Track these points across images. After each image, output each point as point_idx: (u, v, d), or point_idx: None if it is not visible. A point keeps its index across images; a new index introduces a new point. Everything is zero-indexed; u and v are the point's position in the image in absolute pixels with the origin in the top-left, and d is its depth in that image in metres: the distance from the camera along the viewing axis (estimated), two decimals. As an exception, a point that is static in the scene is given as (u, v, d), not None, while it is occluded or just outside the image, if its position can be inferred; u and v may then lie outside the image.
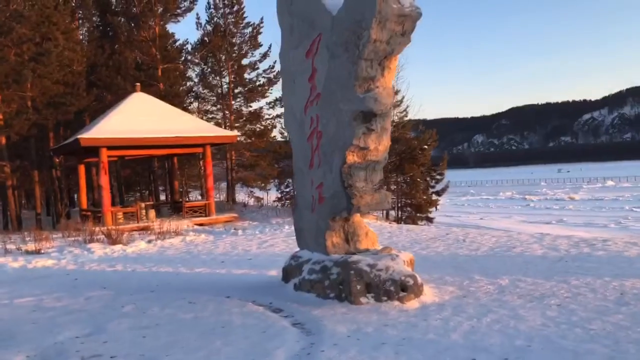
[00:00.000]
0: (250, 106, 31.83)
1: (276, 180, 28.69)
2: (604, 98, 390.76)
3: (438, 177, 24.13)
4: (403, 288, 6.85)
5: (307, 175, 7.84)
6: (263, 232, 16.68)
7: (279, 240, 14.28)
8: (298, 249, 12.63)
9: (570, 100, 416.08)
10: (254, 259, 11.51)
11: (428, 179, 23.50)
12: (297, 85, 7.91)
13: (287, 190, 27.45)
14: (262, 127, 31.18)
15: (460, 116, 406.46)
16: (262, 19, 31.27)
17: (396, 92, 21.24)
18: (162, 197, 31.96)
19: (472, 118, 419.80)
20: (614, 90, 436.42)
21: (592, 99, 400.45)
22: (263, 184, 30.64)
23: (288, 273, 8.07)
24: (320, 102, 7.38)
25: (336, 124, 7.12)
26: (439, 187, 24.14)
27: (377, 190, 7.25)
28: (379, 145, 7.11)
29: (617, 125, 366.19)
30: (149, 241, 14.84)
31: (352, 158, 7.00)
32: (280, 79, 8.69)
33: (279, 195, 27.78)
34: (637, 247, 10.11)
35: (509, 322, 5.66)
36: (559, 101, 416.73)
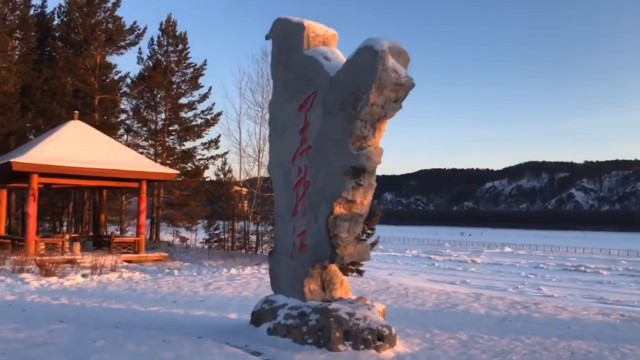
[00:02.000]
0: (184, 145, 31.57)
1: (205, 221, 28.31)
2: (505, 169, 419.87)
3: (369, 231, 24.96)
4: (379, 337, 7.20)
5: (289, 222, 8.12)
6: (201, 274, 16.45)
7: (223, 284, 14.19)
8: (247, 293, 12.73)
9: (475, 168, 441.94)
10: (206, 300, 11.42)
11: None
12: (287, 135, 8.28)
13: (217, 232, 27.16)
14: (194, 167, 30.90)
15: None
16: (205, 61, 31.56)
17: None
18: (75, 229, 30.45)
19: (384, 176, 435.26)
20: (514, 163, 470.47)
21: (494, 169, 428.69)
22: (190, 224, 30.10)
23: (260, 317, 8.17)
24: (311, 154, 7.78)
25: (326, 176, 7.53)
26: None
27: (360, 242, 7.68)
28: (364, 200, 7.59)
29: (515, 196, 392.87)
30: (84, 275, 14.24)
31: (339, 209, 7.40)
32: (268, 127, 9.00)
33: (207, 237, 27.38)
34: (567, 311, 11.13)
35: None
36: (465, 168, 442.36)
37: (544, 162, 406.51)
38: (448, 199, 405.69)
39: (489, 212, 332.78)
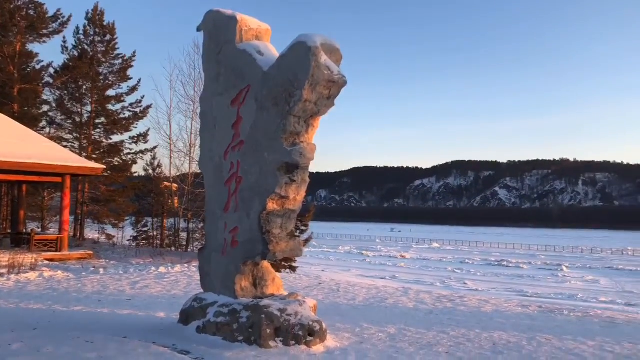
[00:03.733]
0: (111, 138, 30.38)
1: (133, 218, 27.40)
2: (433, 167, 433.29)
3: (303, 227, 24.97)
4: (310, 333, 7.24)
5: (221, 218, 7.99)
6: (128, 272, 15.91)
7: (151, 282, 13.79)
8: (176, 291, 12.44)
9: (405, 166, 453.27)
10: (133, 299, 11.05)
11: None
12: (219, 130, 8.14)
13: (145, 229, 26.35)
14: (121, 161, 29.81)
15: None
16: (134, 52, 30.51)
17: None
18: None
19: (318, 174, 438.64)
20: (442, 161, 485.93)
21: (424, 167, 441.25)
22: (117, 221, 29.03)
23: (189, 315, 8.01)
24: (244, 149, 7.69)
25: (259, 172, 7.47)
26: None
27: (292, 238, 7.67)
28: (297, 196, 7.59)
29: (443, 193, 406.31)
30: (0, 275, 13.41)
31: (272, 205, 7.36)
32: (200, 121, 8.79)
33: (135, 234, 26.51)
34: (490, 304, 11.61)
35: (413, 366, 6.32)
36: (396, 166, 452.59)
37: (470, 161, 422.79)
38: (380, 196, 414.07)
39: (418, 209, 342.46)
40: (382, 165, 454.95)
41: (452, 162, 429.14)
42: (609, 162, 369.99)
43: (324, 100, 7.24)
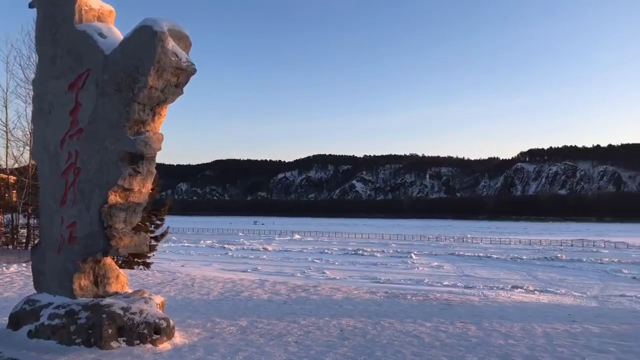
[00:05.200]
0: None
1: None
2: (296, 161, 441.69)
3: (158, 222, 24.03)
4: (156, 331, 6.94)
5: (57, 212, 7.35)
6: (-49, 275, 14.10)
7: (-20, 284, 12.37)
8: (9, 294, 11.28)
9: (268, 159, 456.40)
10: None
11: (147, 223, 23.17)
12: (54, 116, 7.46)
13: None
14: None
15: (167, 162, 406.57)
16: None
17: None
18: None
19: (179, 166, 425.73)
20: (304, 155, 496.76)
21: (286, 161, 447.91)
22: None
23: (20, 319, 7.27)
24: (83, 138, 7.13)
25: (100, 162, 6.98)
26: (158, 232, 24.00)
27: (137, 233, 7.28)
28: (143, 188, 7.21)
29: (305, 186, 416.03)
30: None
31: (114, 198, 6.92)
32: (33, 106, 7.99)
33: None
34: (341, 292, 12.06)
35: (259, 358, 6.33)
36: (259, 159, 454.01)
37: (330, 155, 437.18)
38: (243, 189, 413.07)
39: (280, 201, 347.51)
40: (245, 159, 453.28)
41: (314, 156, 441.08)
42: (452, 157, 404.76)
43: (172, 88, 6.95)
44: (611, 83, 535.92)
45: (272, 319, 8.69)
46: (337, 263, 42.47)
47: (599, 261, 45.99)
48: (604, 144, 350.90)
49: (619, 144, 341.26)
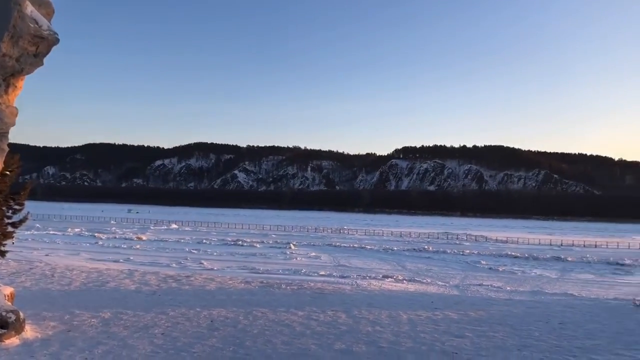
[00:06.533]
0: None
1: None
2: (175, 148, 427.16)
3: (17, 207, 21.81)
4: (3, 325, 6.28)
5: None
6: None
7: None
8: None
9: (146, 145, 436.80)
10: None
11: (4, 208, 20.93)
12: None
13: None
14: None
15: (32, 144, 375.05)
16: None
17: None
18: None
19: (45, 148, 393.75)
20: (184, 142, 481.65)
21: (165, 147, 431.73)
22: None
23: None
24: None
25: (-62, 137, 6.15)
26: (16, 218, 21.76)
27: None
28: (-9, 168, 6.47)
29: (184, 174, 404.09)
30: None
31: (-45, 178, 6.14)
32: None
33: None
34: (215, 282, 11.80)
35: (120, 352, 5.96)
36: (136, 144, 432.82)
37: (212, 144, 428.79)
38: (117, 175, 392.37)
39: (158, 189, 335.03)
40: (120, 143, 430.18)
41: (195, 143, 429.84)
42: (332, 151, 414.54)
43: (30, 57, 6.29)
44: (474, 89, 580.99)
45: (139, 310, 8.27)
46: (215, 254, 41.71)
47: (461, 253, 49.54)
48: (469, 145, 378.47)
49: (482, 145, 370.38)
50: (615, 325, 8.00)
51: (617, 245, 67.92)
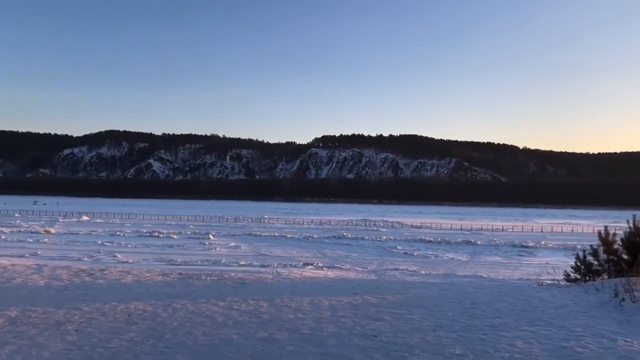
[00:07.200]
0: None
1: None
2: (85, 136, 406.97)
3: None
4: None
5: None
6: None
7: None
8: None
9: (53, 133, 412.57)
10: None
11: None
12: None
13: None
14: None
15: None
16: None
17: None
18: None
19: None
20: (95, 130, 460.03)
21: (74, 135, 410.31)
22: None
23: None
24: None
25: None
26: None
27: None
28: None
29: (95, 164, 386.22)
30: None
31: None
32: None
33: None
34: (131, 275, 11.42)
35: (30, 351, 5.66)
36: (41, 132, 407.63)
37: (125, 132, 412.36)
38: (21, 165, 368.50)
39: (67, 179, 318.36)
40: (24, 131, 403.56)
41: (106, 131, 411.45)
42: (252, 140, 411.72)
43: None
44: (391, 80, 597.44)
45: (50, 307, 7.86)
46: (130, 246, 40.30)
47: (378, 239, 50.96)
48: (386, 134, 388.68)
49: (398, 135, 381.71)
50: (520, 304, 8.57)
51: (522, 229, 72.52)
